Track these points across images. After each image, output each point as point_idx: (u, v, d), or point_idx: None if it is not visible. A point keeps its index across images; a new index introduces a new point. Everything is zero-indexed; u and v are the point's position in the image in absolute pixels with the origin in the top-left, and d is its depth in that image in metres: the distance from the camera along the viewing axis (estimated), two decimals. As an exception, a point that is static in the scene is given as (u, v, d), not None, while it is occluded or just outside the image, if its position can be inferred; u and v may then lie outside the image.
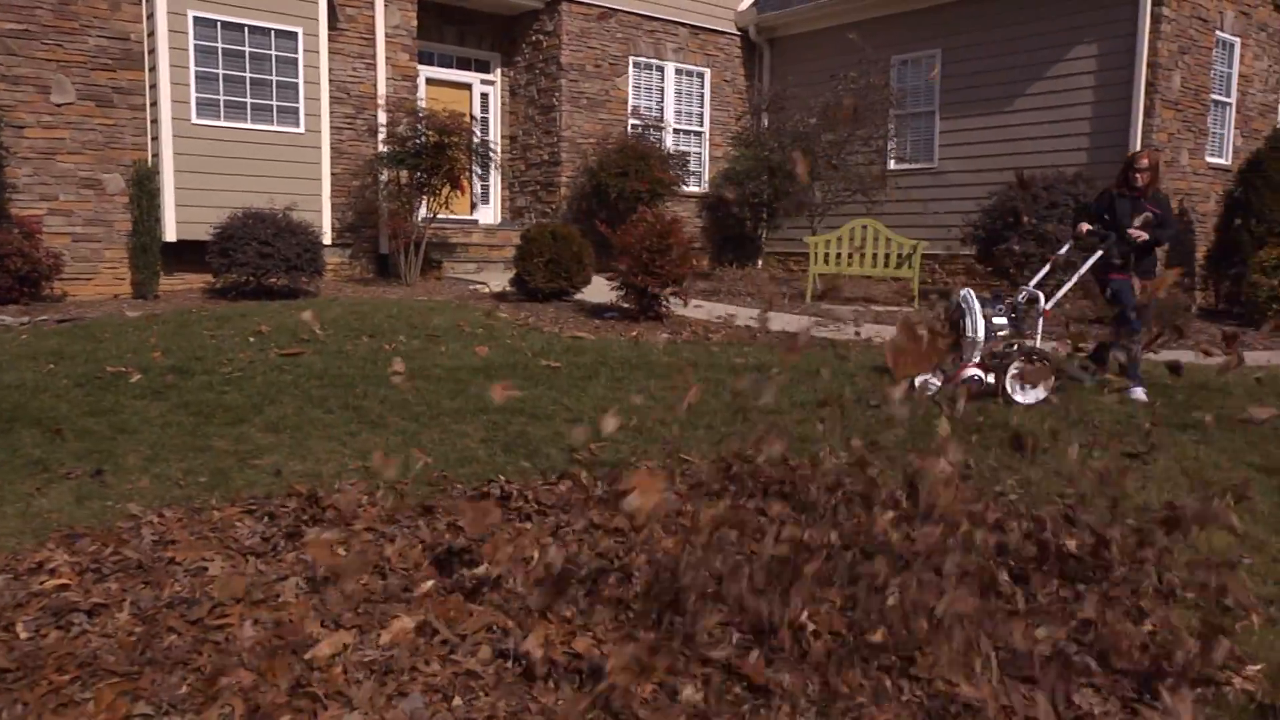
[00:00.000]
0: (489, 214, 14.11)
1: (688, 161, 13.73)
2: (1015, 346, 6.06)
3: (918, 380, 5.97)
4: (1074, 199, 10.15)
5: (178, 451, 4.50)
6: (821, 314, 9.68)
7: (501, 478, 3.73)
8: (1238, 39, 12.19)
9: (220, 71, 10.06)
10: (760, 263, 14.77)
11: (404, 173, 11.19)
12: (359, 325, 7.76)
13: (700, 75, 14.61)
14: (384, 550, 3.28)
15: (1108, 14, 11.18)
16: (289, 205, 10.13)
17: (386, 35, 11.64)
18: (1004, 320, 6.07)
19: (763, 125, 13.69)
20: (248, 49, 10.21)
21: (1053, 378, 5.88)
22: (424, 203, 11.37)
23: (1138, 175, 6.28)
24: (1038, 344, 6.14)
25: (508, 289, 10.21)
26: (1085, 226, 6.38)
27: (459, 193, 11.51)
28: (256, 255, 9.39)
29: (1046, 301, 6.16)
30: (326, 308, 8.59)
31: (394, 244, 11.27)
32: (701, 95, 14.67)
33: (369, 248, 11.79)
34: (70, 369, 6.11)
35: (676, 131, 14.36)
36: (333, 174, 11.13)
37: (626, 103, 13.75)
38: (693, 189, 14.40)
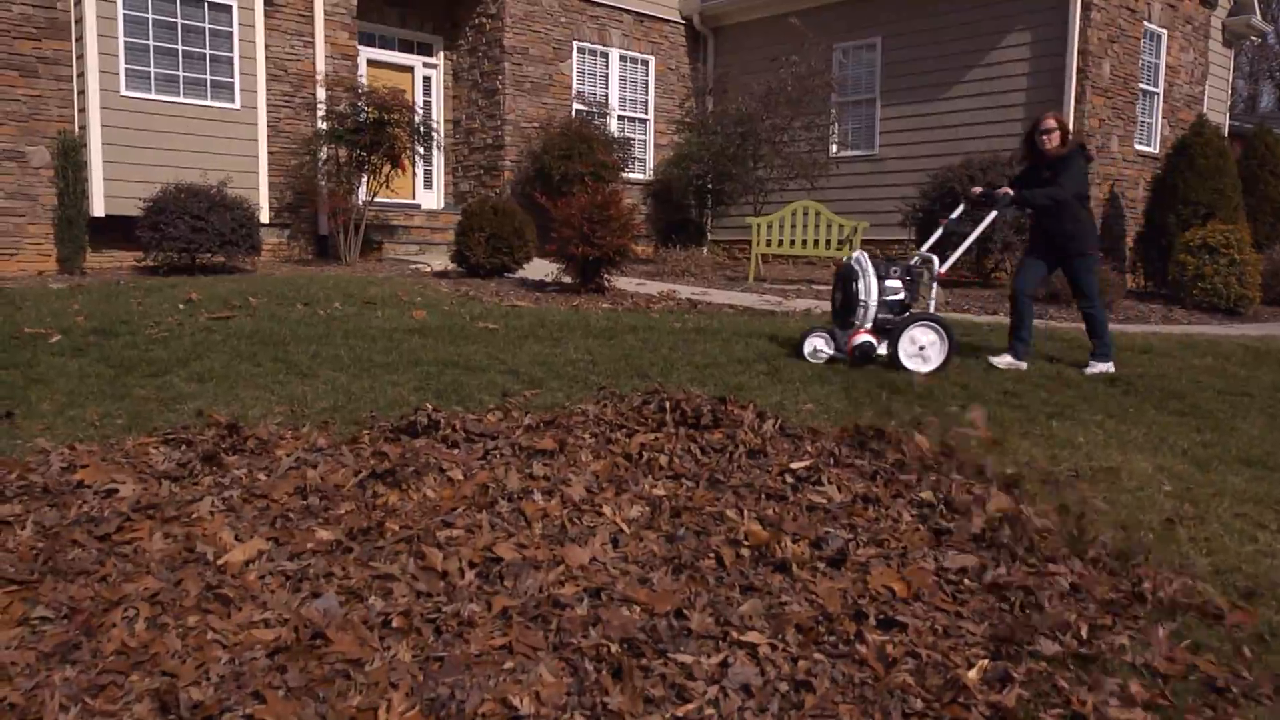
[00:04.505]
0: (432, 198, 13.96)
1: (632, 147, 13.73)
2: (909, 313, 5.80)
3: (806, 347, 5.78)
4: (1010, 181, 10.34)
5: (95, 398, 4.36)
6: (762, 290, 9.74)
7: (429, 405, 3.67)
8: (1165, 31, 12.56)
9: (151, 43, 9.80)
10: (705, 250, 14.82)
11: (343, 150, 11.00)
12: (294, 295, 7.61)
13: (645, 63, 14.63)
14: (306, 475, 3.20)
15: (1041, 2, 11.44)
16: (223, 181, 9.90)
17: (325, 13, 11.44)
18: (898, 284, 5.81)
19: (707, 109, 13.74)
20: (180, 20, 9.96)
21: (948, 346, 5.60)
22: (364, 182, 11.19)
23: (1045, 138, 5.88)
24: (932, 309, 5.87)
25: (449, 267, 10.10)
26: (976, 189, 6.27)
27: (400, 171, 11.34)
28: (189, 230, 9.15)
29: (941, 265, 5.94)
30: (262, 281, 8.41)
31: (333, 224, 11.08)
32: (646, 83, 14.69)
33: (308, 228, 11.57)
34: (-14, 330, 5.89)
35: (621, 118, 14.35)
36: (270, 152, 10.91)
37: (570, 87, 13.72)
38: (638, 175, 14.40)
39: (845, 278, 5.85)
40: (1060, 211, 5.84)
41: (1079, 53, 11.16)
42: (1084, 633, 2.45)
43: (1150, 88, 12.54)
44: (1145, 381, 5.63)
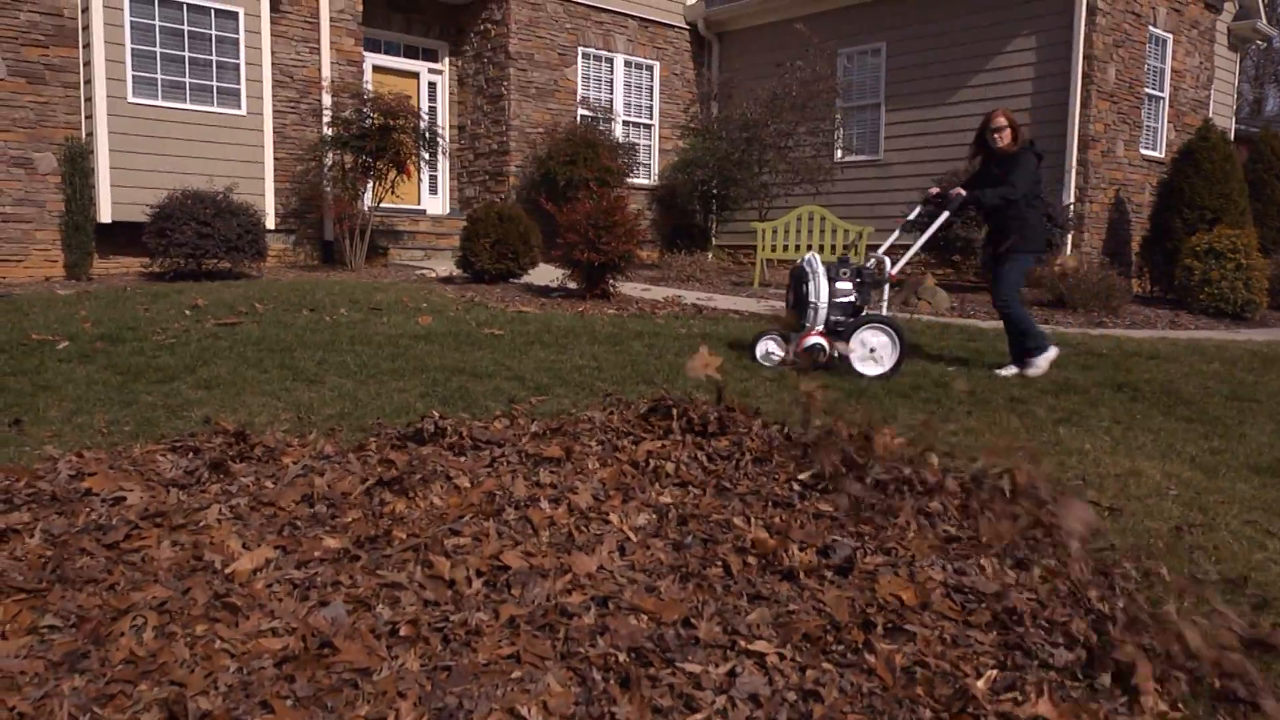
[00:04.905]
0: (437, 204, 13.99)
1: (636, 152, 13.75)
2: (859, 315, 5.78)
3: (759, 350, 5.78)
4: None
5: (103, 405, 4.37)
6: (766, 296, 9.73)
7: (435, 413, 3.68)
8: (1170, 35, 12.55)
9: (158, 50, 9.85)
10: (710, 255, 14.83)
11: (349, 156, 11.03)
12: (300, 301, 7.63)
13: (650, 68, 14.65)
14: (313, 482, 3.20)
15: (1045, 6, 11.44)
16: (229, 187, 9.93)
17: (331, 19, 11.49)
18: (849, 286, 5.77)
19: (712, 114, 13.75)
20: (186, 27, 10.00)
21: (899, 348, 5.58)
22: (369, 187, 11.23)
23: (996, 136, 5.82)
24: (884, 311, 5.80)
25: (454, 273, 10.12)
26: (934, 190, 6.23)
27: (405, 177, 11.38)
28: (195, 236, 9.17)
29: (892, 266, 5.90)
30: (268, 287, 8.43)
31: (339, 229, 11.11)
32: (651, 88, 14.71)
33: (313, 234, 11.60)
34: (-7, 336, 5.91)
35: (626, 124, 14.37)
36: (276, 158, 10.94)
37: (575, 93, 13.74)
38: (642, 181, 14.42)
39: (797, 279, 5.84)
40: (1006, 209, 5.79)
41: (1084, 57, 11.15)
42: (1094, 641, 2.44)
43: (1156, 92, 12.52)
44: (1153, 387, 5.62)
